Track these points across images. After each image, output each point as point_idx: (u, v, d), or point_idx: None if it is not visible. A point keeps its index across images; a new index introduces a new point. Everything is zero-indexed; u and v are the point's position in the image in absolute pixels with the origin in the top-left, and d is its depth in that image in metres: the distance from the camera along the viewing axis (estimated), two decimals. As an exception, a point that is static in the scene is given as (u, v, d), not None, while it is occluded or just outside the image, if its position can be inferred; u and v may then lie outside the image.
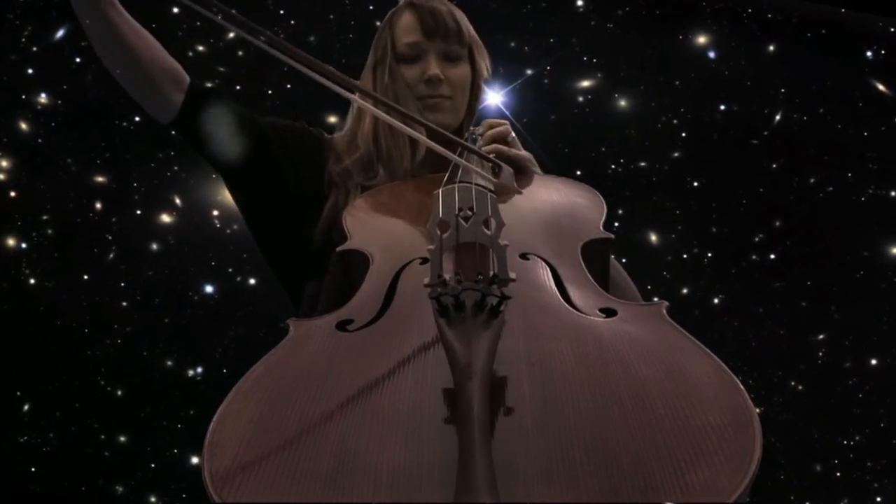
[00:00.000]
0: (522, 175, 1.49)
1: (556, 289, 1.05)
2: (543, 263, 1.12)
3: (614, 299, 1.05)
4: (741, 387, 0.81)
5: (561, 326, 0.95)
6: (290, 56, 1.24)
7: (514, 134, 1.55)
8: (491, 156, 1.45)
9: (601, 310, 1.00)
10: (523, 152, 1.54)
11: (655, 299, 1.03)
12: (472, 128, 1.58)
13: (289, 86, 3.48)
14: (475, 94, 1.59)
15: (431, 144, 1.34)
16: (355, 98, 1.45)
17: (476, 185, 1.23)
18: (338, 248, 1.23)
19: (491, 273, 0.91)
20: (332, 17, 3.60)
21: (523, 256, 1.13)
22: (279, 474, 0.73)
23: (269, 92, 3.53)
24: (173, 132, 1.43)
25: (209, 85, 1.41)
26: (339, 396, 0.83)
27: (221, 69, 3.58)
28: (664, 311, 0.98)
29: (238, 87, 3.59)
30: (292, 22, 3.59)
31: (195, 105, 1.36)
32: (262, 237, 1.52)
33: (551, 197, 1.22)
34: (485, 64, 1.59)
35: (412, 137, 1.43)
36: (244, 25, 1.24)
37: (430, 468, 0.72)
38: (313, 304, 1.37)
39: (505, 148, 1.49)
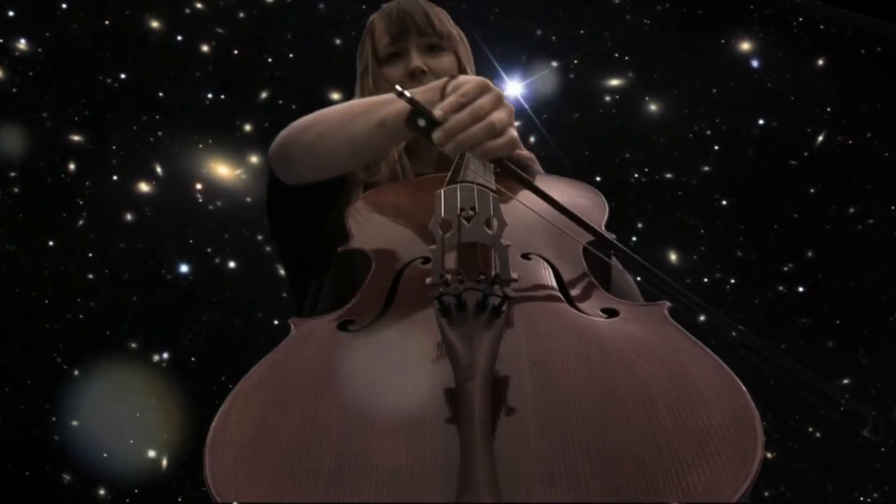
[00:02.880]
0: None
1: (557, 289, 1.12)
2: (545, 263, 1.19)
3: (616, 299, 1.12)
4: (743, 388, 0.87)
5: (563, 327, 1.01)
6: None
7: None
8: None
9: (603, 310, 1.07)
10: (524, 152, 1.65)
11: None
12: None
13: (291, 55, 3.49)
14: None
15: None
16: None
17: (478, 184, 1.32)
18: (339, 248, 1.31)
19: (493, 273, 0.98)
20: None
21: (525, 256, 1.20)
22: (281, 474, 0.79)
23: (269, 60, 3.53)
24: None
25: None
26: (340, 396, 0.89)
27: (220, 30, 3.58)
28: (666, 312, 1.05)
29: (236, 52, 3.59)
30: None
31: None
32: (284, 241, 1.63)
33: (553, 197, 1.28)
34: (468, 55, 1.71)
35: None
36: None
37: (432, 468, 0.78)
38: (315, 302, 1.47)
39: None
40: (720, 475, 0.76)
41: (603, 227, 1.32)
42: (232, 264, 3.58)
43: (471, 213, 1.19)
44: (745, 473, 0.76)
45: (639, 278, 1.39)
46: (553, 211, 1.27)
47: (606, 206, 1.41)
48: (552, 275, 1.16)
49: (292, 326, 1.07)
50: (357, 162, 1.45)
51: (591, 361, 0.92)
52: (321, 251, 1.51)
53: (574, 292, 1.12)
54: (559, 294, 1.10)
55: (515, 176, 1.23)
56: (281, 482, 0.78)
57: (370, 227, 1.36)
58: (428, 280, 0.99)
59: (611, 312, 1.06)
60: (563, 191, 1.45)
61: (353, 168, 1.48)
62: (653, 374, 0.89)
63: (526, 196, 1.33)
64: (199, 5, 3.61)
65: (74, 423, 3.36)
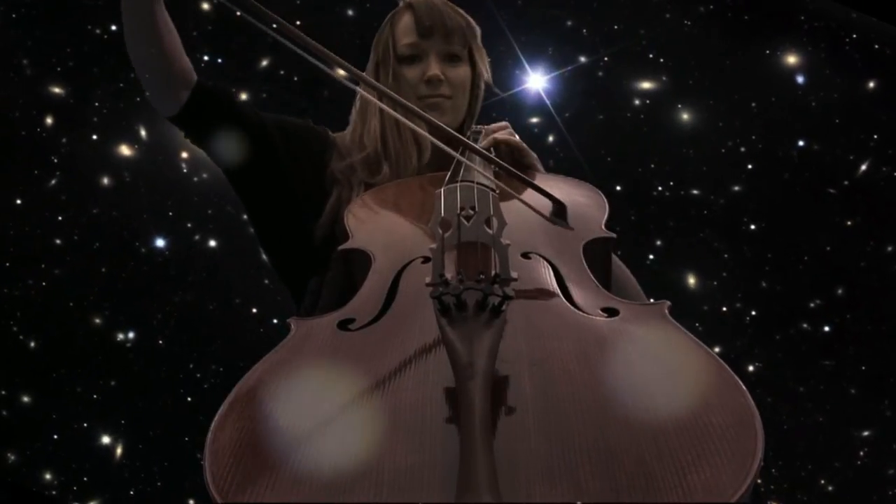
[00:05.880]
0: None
1: (557, 288, 1.20)
2: (545, 263, 1.28)
3: (616, 299, 1.20)
4: (743, 387, 0.94)
5: (563, 326, 1.09)
6: (301, 47, 1.41)
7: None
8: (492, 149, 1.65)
9: (603, 309, 1.14)
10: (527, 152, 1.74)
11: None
12: (473, 126, 1.78)
13: (298, 22, 3.48)
14: (475, 94, 1.81)
15: (435, 141, 1.54)
16: (361, 90, 1.67)
17: (478, 183, 1.40)
18: (339, 247, 1.40)
19: (493, 272, 1.05)
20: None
21: (525, 256, 1.29)
22: (281, 474, 0.85)
23: (274, 26, 3.52)
24: (178, 127, 1.63)
25: (215, 83, 1.64)
26: (340, 396, 0.96)
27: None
28: (666, 311, 1.12)
29: (239, 13, 3.58)
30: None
31: (199, 102, 1.59)
32: (263, 232, 1.73)
33: (554, 195, 1.38)
34: (485, 66, 1.80)
35: (418, 138, 1.67)
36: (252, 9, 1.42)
37: (432, 468, 0.83)
38: (315, 300, 1.57)
39: (510, 138, 1.70)
40: (720, 474, 0.81)
41: (603, 227, 1.41)
42: (212, 243, 3.58)
43: (471, 212, 1.27)
44: (746, 473, 0.81)
45: None
46: (554, 209, 1.37)
47: (607, 206, 1.49)
48: (552, 274, 1.24)
49: (292, 325, 1.14)
50: (145, 41, 1.51)
51: (591, 361, 0.99)
52: (316, 249, 1.59)
53: (574, 291, 1.20)
54: (559, 293, 1.18)
55: (513, 174, 1.32)
56: (281, 482, 0.83)
57: (370, 227, 1.45)
58: (427, 279, 1.05)
59: (611, 311, 1.12)
60: (563, 189, 1.54)
61: (160, 53, 1.53)
62: (653, 373, 0.96)
63: (527, 194, 1.42)
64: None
65: (25, 399, 3.36)
